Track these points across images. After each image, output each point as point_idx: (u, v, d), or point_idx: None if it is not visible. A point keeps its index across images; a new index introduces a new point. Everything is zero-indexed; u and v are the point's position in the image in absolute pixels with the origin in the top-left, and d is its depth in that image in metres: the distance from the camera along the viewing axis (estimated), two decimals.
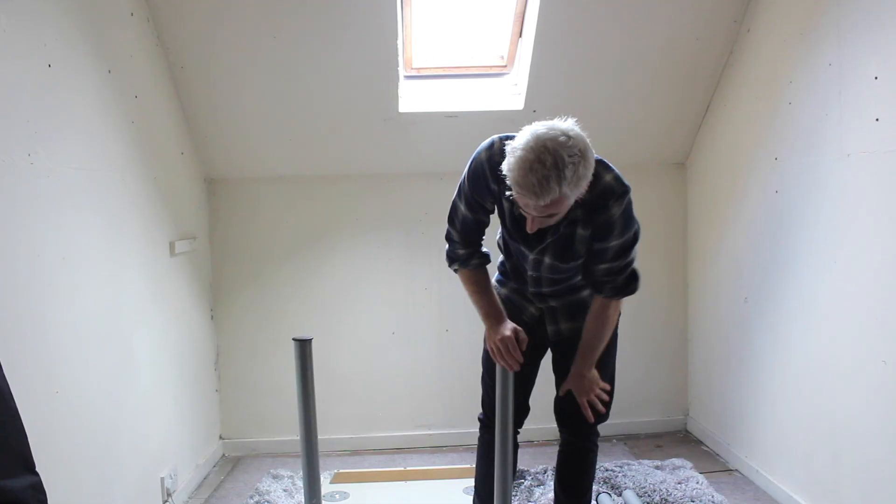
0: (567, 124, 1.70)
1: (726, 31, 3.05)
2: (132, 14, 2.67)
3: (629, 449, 3.46)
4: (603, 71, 3.16)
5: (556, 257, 1.97)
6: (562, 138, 1.65)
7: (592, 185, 1.80)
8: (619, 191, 1.84)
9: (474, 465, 2.81)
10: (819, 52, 2.50)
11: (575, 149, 1.64)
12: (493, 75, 3.38)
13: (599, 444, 2.30)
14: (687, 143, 3.53)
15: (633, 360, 3.56)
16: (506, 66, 3.34)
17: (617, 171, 1.89)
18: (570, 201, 1.73)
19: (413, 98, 3.29)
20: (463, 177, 2.01)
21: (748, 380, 3.06)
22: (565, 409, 2.18)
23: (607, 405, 2.15)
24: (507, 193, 1.73)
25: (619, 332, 2.19)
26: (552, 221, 1.80)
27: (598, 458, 2.39)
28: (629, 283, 1.98)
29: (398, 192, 3.51)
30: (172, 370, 2.98)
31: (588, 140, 1.71)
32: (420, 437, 3.59)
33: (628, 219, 1.88)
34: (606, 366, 2.16)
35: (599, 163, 1.86)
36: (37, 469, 1.39)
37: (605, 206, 1.84)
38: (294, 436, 3.36)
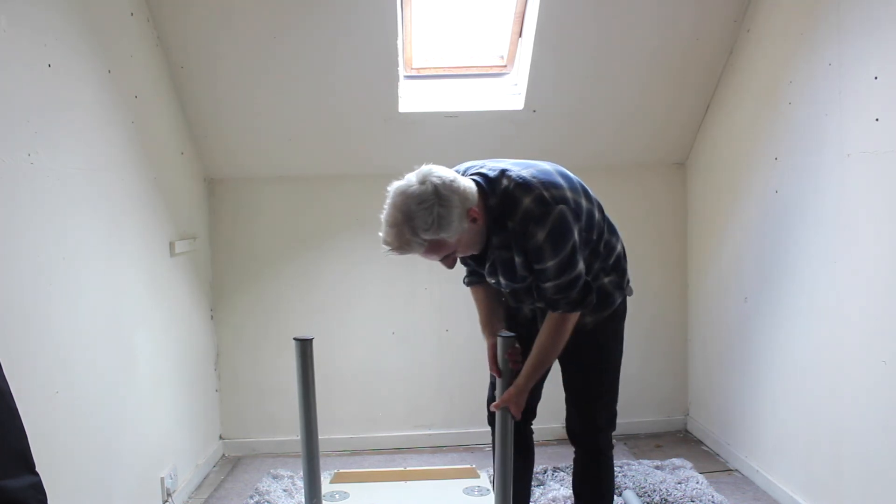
0: (428, 168, 1.81)
1: (726, 31, 3.05)
2: (132, 14, 2.67)
3: (629, 449, 3.46)
4: (603, 71, 3.16)
5: (505, 276, 1.98)
6: (412, 188, 1.76)
7: (513, 210, 1.83)
8: (539, 213, 1.81)
9: (473, 466, 2.83)
10: (819, 52, 2.50)
11: (426, 194, 1.74)
12: (493, 75, 3.38)
13: None
14: (687, 143, 3.54)
15: (633, 360, 3.55)
16: (506, 66, 3.34)
17: (543, 189, 1.83)
18: (451, 238, 1.80)
19: (413, 98, 3.29)
20: None
21: (748, 380, 3.06)
22: (572, 424, 2.19)
23: (611, 414, 2.16)
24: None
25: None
26: (455, 257, 1.90)
27: None
28: (584, 296, 1.93)
29: None
30: (172, 370, 2.98)
31: (451, 180, 1.79)
32: (420, 437, 3.59)
33: (557, 236, 1.82)
34: (605, 375, 2.15)
35: (519, 185, 1.84)
36: (37, 469, 1.39)
37: (527, 232, 1.83)
38: (294, 436, 3.36)
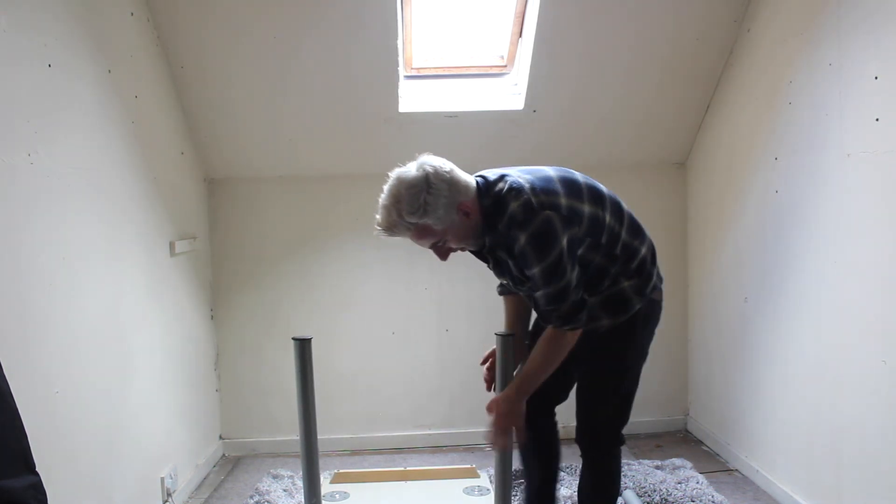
0: (427, 158, 1.87)
1: (726, 31, 3.05)
2: (132, 14, 2.67)
3: (629, 449, 3.46)
4: (603, 71, 3.16)
5: (511, 280, 2.02)
6: (407, 174, 1.84)
7: (502, 214, 1.87)
8: (521, 218, 1.82)
9: (473, 466, 2.83)
10: (819, 52, 2.50)
11: (417, 180, 1.82)
12: (493, 75, 3.38)
13: None
14: (687, 143, 3.54)
15: None
16: (506, 66, 3.34)
17: (531, 195, 1.84)
18: (437, 226, 1.85)
19: (413, 98, 3.29)
20: None
21: (748, 380, 3.06)
22: (578, 428, 2.17)
23: (616, 423, 2.13)
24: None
25: None
26: (447, 249, 1.96)
27: None
28: (576, 311, 1.89)
29: None
30: (172, 370, 2.98)
31: (447, 171, 1.85)
32: (420, 437, 3.59)
33: (540, 241, 1.82)
34: (616, 381, 2.10)
35: (511, 189, 1.87)
36: (37, 469, 1.39)
37: (511, 235, 1.85)
38: (294, 436, 3.35)
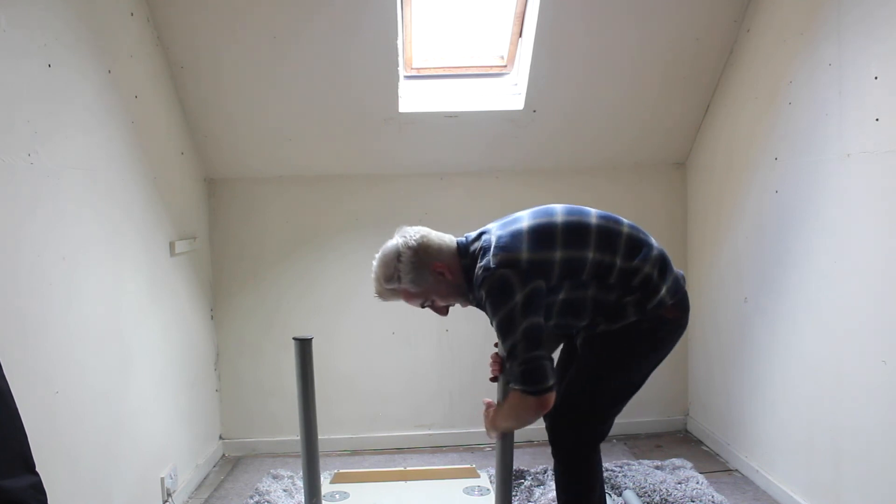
0: (403, 230, 2.07)
1: (726, 31, 3.05)
2: (132, 14, 2.67)
3: (629, 449, 3.46)
4: (603, 71, 3.16)
5: None
6: (388, 245, 2.06)
7: (473, 272, 2.00)
8: (482, 276, 1.94)
9: (473, 466, 2.82)
10: (819, 52, 2.50)
11: (390, 251, 2.04)
12: (493, 75, 3.38)
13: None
14: (687, 143, 3.53)
15: None
16: (506, 66, 3.34)
17: (492, 255, 1.93)
18: (413, 289, 2.03)
19: (413, 98, 3.29)
20: None
21: (748, 380, 3.06)
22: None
23: (582, 423, 2.12)
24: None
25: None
26: (441, 307, 2.13)
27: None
28: (523, 369, 1.86)
29: (398, 192, 3.51)
30: (172, 370, 2.98)
31: (417, 238, 2.03)
32: (420, 437, 3.59)
33: (496, 298, 1.91)
34: (592, 383, 2.11)
35: (482, 249, 2.00)
36: (37, 469, 1.39)
37: (478, 294, 1.98)
38: (294, 436, 3.36)
